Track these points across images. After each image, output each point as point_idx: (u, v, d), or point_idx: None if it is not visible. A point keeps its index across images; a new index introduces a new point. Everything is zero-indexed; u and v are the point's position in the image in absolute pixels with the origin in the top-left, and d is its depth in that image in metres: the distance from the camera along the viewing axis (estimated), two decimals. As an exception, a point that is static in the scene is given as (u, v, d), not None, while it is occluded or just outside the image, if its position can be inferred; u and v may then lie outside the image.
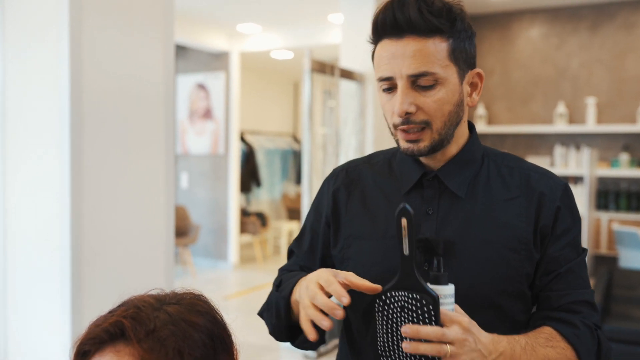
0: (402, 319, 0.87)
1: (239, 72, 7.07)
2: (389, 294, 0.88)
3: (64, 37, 2.22)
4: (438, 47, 0.96)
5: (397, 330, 0.88)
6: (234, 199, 7.05)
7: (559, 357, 0.96)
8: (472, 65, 1.03)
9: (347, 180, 1.15)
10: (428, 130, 0.99)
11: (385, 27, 0.98)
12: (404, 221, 0.86)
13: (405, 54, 0.96)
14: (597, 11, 5.58)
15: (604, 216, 5.40)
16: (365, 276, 0.92)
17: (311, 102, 3.99)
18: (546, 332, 0.98)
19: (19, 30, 2.37)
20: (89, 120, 2.30)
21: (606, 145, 5.61)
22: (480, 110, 5.98)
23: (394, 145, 1.12)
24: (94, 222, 2.33)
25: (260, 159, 8.14)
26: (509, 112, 5.99)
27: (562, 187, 1.05)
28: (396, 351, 0.89)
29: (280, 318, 1.04)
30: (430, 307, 0.85)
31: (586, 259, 1.07)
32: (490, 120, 6.05)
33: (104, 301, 0.96)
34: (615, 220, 5.36)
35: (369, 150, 4.56)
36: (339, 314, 0.86)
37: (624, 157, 5.41)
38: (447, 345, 0.84)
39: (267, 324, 1.10)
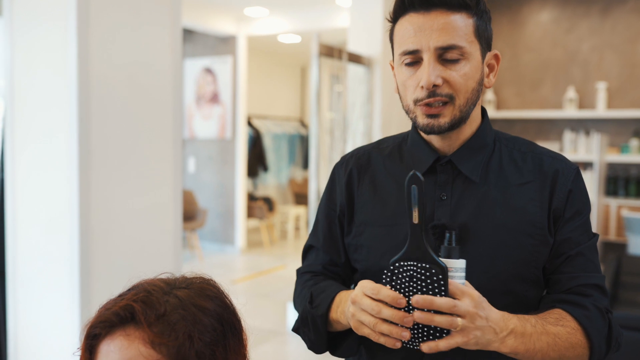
0: (411, 289, 0.86)
1: (246, 56, 7.03)
2: (397, 264, 0.87)
3: (71, 20, 2.21)
4: (465, 22, 0.98)
5: (407, 301, 0.86)
6: (241, 184, 7.06)
7: (569, 336, 0.95)
8: (490, 47, 1.05)
9: (357, 166, 1.15)
10: (450, 105, 0.99)
11: (414, 1, 0.98)
12: (414, 188, 0.85)
13: (433, 27, 0.96)
14: (609, -6, 5.50)
15: (613, 202, 5.36)
16: (377, 264, 0.92)
17: (319, 86, 3.97)
18: (556, 313, 0.98)
19: (27, 11, 2.36)
20: (96, 105, 2.30)
21: (616, 130, 5.56)
22: (489, 95, 5.93)
23: (401, 130, 1.12)
24: (102, 206, 2.34)
25: (268, 143, 8.13)
26: (518, 97, 5.94)
27: (574, 170, 1.06)
28: None
29: (320, 334, 1.05)
30: (440, 277, 0.84)
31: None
32: (498, 105, 6.00)
33: (113, 285, 0.97)
34: (624, 207, 5.32)
35: (376, 135, 4.54)
36: (409, 320, 0.85)
37: (635, 142, 5.36)
38: (459, 318, 0.84)
39: (305, 339, 1.10)
